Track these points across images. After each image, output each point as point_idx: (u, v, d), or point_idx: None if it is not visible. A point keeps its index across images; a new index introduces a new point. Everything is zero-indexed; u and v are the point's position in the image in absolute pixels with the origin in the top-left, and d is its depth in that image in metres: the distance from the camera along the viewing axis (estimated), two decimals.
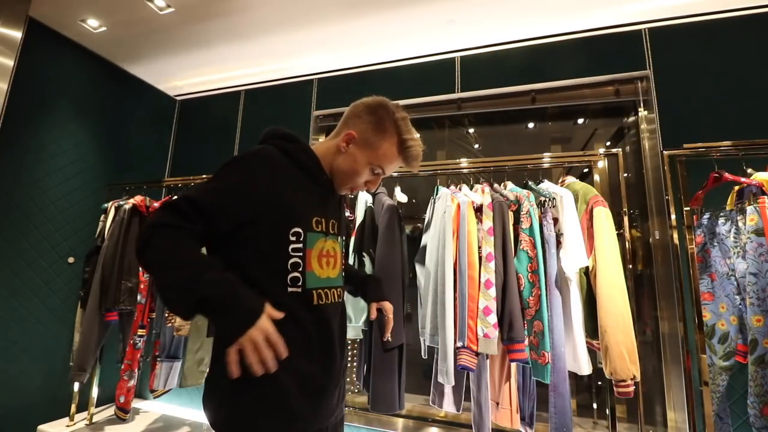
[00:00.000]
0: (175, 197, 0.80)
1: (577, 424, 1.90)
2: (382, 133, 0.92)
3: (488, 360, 1.56)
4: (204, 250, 0.86)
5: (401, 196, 1.89)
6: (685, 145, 1.50)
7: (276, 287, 0.83)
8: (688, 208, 1.47)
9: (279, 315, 0.76)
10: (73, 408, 2.14)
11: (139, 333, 2.02)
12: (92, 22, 2.15)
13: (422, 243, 1.70)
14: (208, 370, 0.89)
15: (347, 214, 1.81)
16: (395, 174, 1.93)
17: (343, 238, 1.01)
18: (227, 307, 0.71)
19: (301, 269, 0.85)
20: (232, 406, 0.80)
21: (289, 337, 0.75)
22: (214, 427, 0.83)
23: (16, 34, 2.00)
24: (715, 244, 1.45)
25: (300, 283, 0.84)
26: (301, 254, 0.85)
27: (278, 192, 0.84)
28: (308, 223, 0.87)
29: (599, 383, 1.86)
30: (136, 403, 2.47)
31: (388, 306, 1.14)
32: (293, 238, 0.84)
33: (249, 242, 0.83)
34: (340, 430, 1.02)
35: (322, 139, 2.61)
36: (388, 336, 1.13)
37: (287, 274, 0.84)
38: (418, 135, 0.96)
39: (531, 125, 2.41)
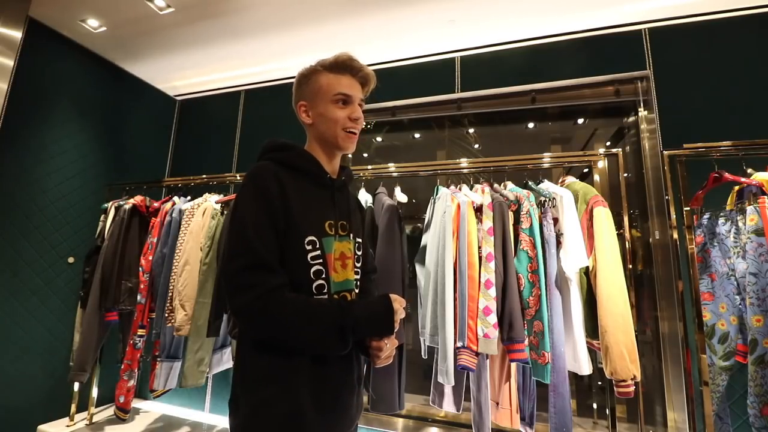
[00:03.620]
0: (237, 249, 0.81)
1: (577, 424, 1.90)
2: (312, 75, 0.98)
3: (488, 360, 1.56)
4: None
5: (401, 196, 1.89)
6: (685, 145, 1.50)
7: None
8: (688, 208, 1.47)
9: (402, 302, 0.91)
10: (73, 408, 2.14)
11: (139, 333, 2.01)
12: (92, 22, 2.15)
13: (422, 243, 1.70)
14: (231, 392, 0.87)
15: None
16: (395, 174, 1.93)
17: (354, 235, 0.97)
18: (376, 323, 0.85)
19: (324, 276, 0.86)
20: (250, 417, 0.81)
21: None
22: None
23: (16, 34, 2.00)
24: (715, 244, 1.45)
25: (325, 290, 0.86)
26: (321, 261, 0.86)
27: (288, 205, 0.84)
28: (321, 228, 0.88)
29: (599, 383, 1.86)
30: (136, 403, 2.47)
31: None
32: (309, 247, 0.85)
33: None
34: None
35: None
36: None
37: (312, 283, 0.85)
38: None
39: (531, 125, 2.41)
